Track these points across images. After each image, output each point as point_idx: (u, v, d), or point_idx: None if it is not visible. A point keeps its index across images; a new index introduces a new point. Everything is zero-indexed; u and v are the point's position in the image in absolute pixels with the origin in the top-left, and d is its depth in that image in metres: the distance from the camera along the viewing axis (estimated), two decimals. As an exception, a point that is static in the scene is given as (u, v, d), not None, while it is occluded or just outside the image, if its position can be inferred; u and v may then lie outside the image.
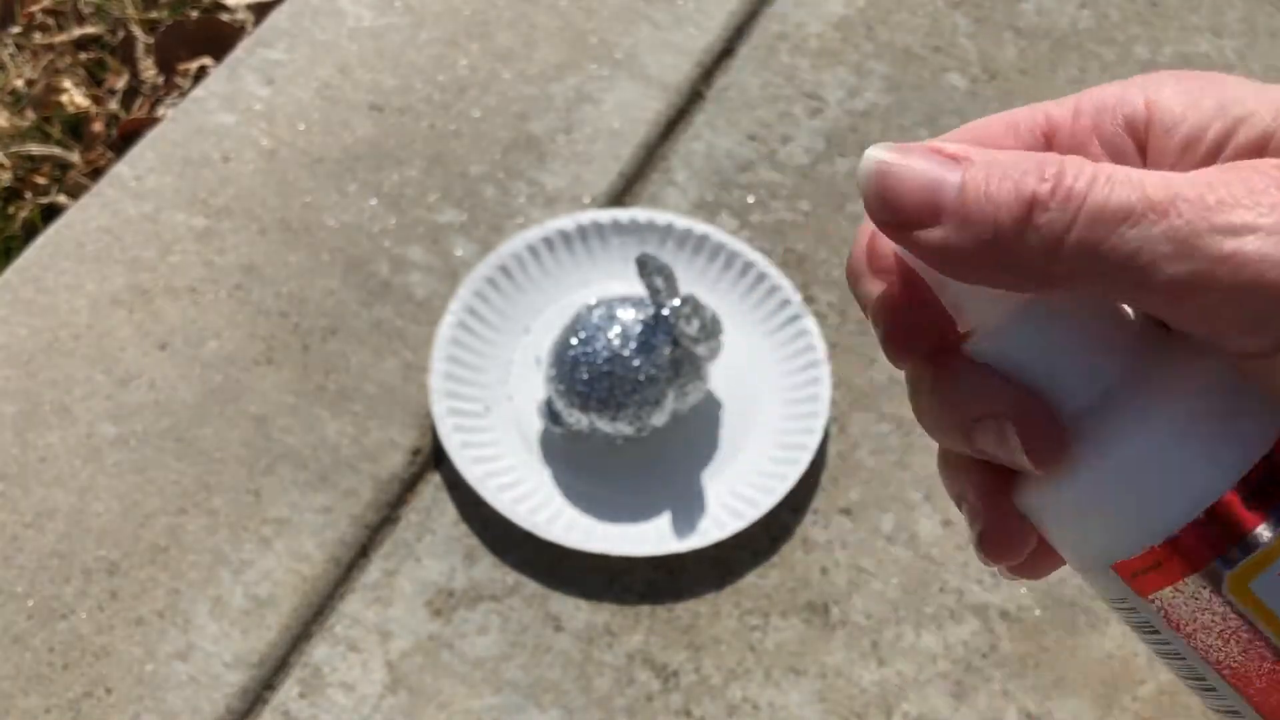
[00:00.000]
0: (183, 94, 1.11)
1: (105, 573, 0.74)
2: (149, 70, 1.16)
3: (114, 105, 1.14)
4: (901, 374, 0.29)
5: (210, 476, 0.77)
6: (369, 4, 0.99)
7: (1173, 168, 0.26)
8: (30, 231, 1.04)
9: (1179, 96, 0.27)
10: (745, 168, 0.91)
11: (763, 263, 0.84)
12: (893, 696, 0.71)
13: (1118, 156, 0.27)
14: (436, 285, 0.85)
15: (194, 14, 1.19)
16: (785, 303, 0.83)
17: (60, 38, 1.17)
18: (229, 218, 0.87)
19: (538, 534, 0.74)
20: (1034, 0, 1.02)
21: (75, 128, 1.13)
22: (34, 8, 1.20)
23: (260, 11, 1.17)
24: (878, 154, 0.25)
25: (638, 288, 0.84)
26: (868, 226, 0.27)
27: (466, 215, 0.88)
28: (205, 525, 0.76)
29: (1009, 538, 0.28)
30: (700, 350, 0.74)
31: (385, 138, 0.92)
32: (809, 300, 0.85)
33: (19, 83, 1.14)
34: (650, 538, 0.74)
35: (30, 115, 1.13)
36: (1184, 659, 0.26)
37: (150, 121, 1.08)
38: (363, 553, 0.76)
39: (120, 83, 1.15)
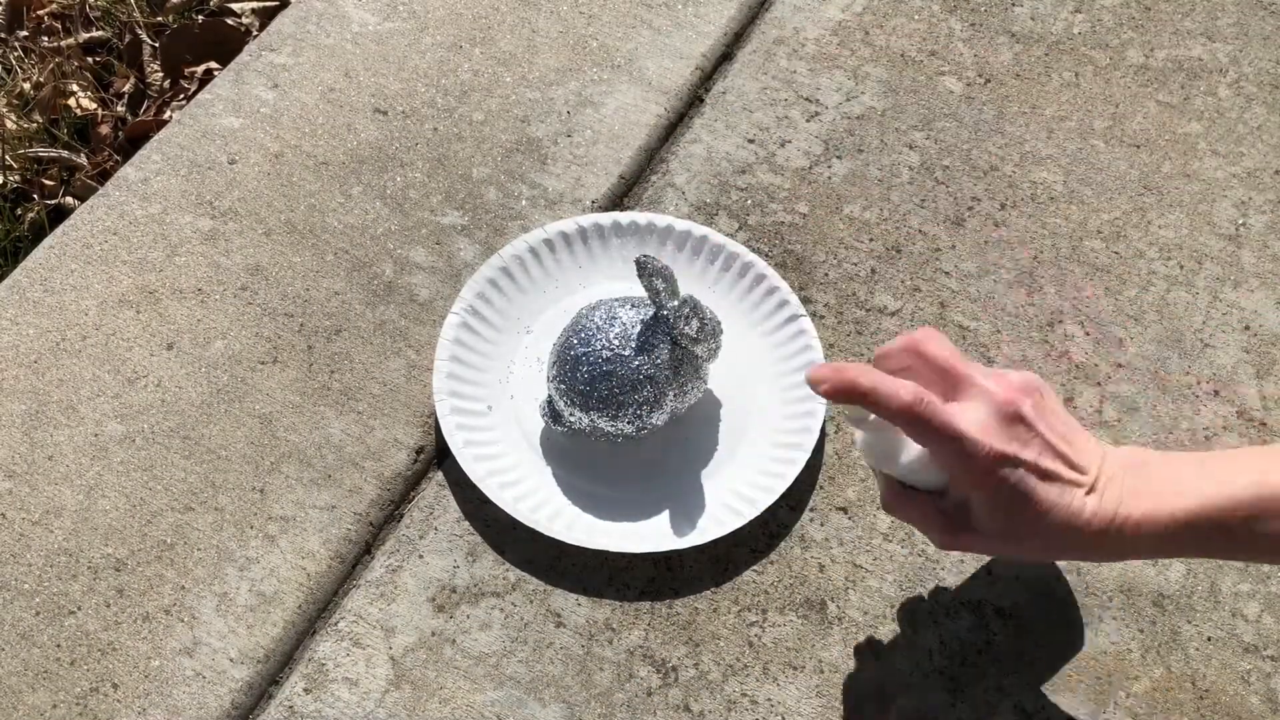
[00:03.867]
0: (189, 97, 1.12)
1: (112, 570, 0.75)
2: (155, 74, 1.17)
3: (121, 108, 1.15)
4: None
5: (216, 475, 0.78)
6: (373, 9, 1.00)
7: None
8: (38, 233, 1.05)
9: None
10: (744, 170, 0.92)
11: (761, 264, 0.85)
12: (889, 692, 0.72)
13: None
14: (439, 286, 0.86)
15: (200, 18, 1.20)
16: (783, 303, 0.84)
17: (67, 42, 1.18)
18: (235, 220, 0.88)
19: (539, 531, 0.75)
20: (1028, 5, 1.02)
21: (82, 131, 1.14)
22: (41, 12, 1.21)
23: (265, 16, 1.18)
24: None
25: (638, 289, 0.85)
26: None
27: (469, 217, 0.89)
28: (211, 523, 0.77)
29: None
30: (699, 350, 0.75)
31: (389, 141, 0.93)
32: (806, 301, 0.86)
33: (26, 86, 1.15)
34: (650, 535, 0.75)
35: (38, 118, 1.14)
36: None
37: (157, 124, 1.09)
38: (366, 550, 0.77)
39: (127, 86, 1.16)
